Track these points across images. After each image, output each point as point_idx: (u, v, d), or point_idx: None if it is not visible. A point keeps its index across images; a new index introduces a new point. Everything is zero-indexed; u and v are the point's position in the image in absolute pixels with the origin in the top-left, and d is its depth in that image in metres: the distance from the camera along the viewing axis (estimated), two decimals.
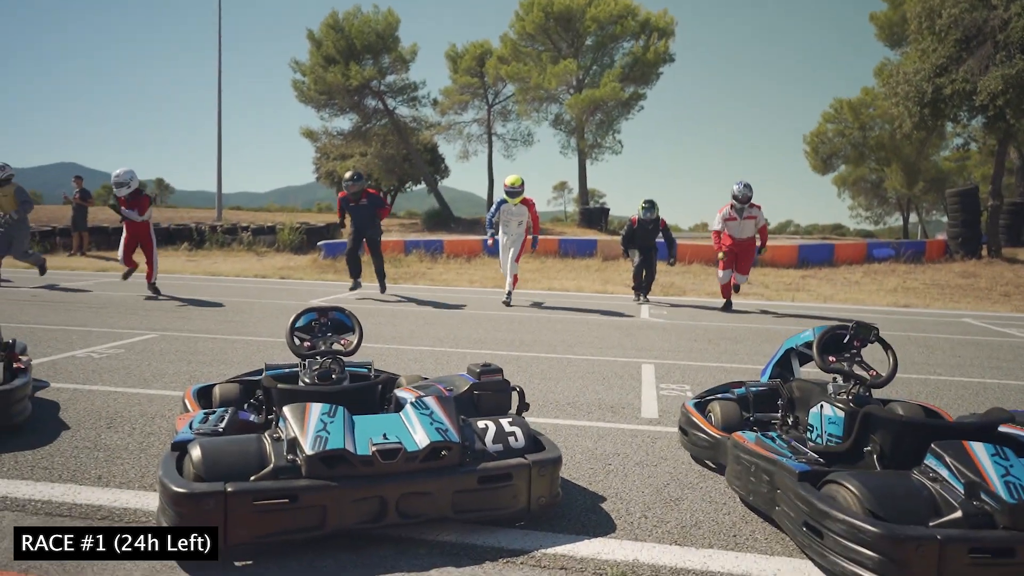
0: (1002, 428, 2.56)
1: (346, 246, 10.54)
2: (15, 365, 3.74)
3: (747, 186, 9.38)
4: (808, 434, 3.07)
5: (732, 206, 9.43)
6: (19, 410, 3.43)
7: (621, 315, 9.14)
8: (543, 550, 2.37)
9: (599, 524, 2.60)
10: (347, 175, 10.01)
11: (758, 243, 9.89)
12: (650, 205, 10.25)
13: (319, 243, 18.10)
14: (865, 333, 3.09)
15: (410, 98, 34.43)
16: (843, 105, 36.57)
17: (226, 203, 33.78)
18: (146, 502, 2.63)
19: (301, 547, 2.30)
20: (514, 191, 9.37)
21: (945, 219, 30.15)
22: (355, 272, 10.32)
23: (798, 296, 12.72)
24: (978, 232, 18.66)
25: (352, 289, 10.46)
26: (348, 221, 10.19)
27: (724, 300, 10.14)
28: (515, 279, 9.97)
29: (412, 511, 2.39)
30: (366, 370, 3.72)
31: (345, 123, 35.56)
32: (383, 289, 10.47)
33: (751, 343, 7.04)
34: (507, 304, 9.55)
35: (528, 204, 9.47)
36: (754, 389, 3.63)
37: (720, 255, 9.67)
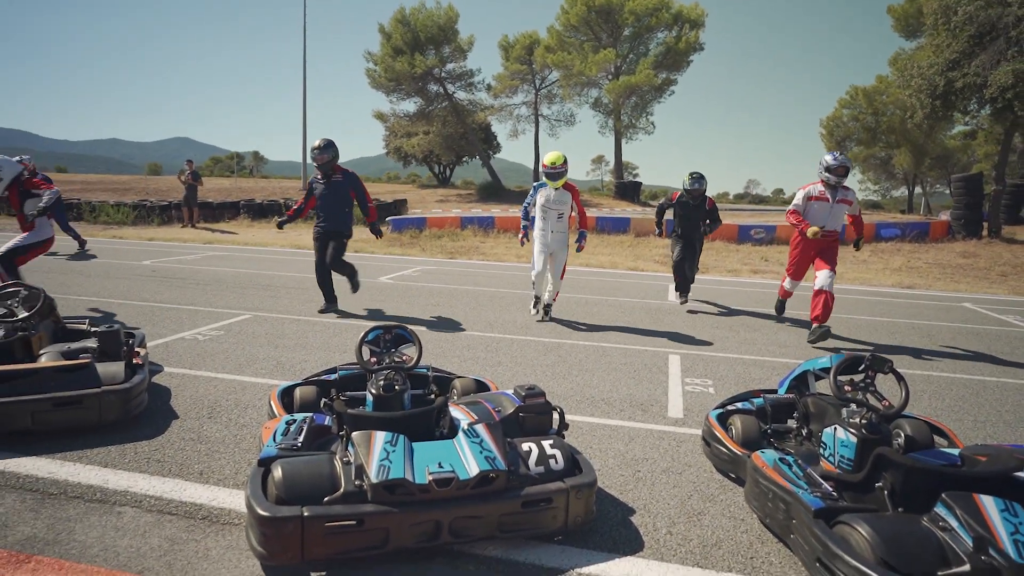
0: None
1: (315, 255, 6.94)
2: (135, 361, 3.80)
3: (845, 156, 6.31)
4: (821, 451, 2.92)
5: (824, 183, 6.22)
6: (136, 404, 3.48)
7: (650, 295, 8.93)
8: (578, 569, 2.32)
9: (628, 540, 2.53)
10: (315, 143, 6.59)
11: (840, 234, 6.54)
12: (699, 176, 7.60)
13: (387, 218, 18.14)
14: (880, 365, 2.91)
15: (467, 83, 34.33)
16: (858, 92, 34.83)
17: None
18: (238, 502, 2.66)
19: (367, 561, 2.29)
20: (555, 172, 6.56)
21: (948, 192, 28.56)
22: (329, 295, 6.95)
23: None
24: (980, 215, 17.68)
25: (324, 311, 6.84)
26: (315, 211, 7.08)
27: (779, 301, 7.28)
28: (556, 294, 6.96)
29: (463, 532, 2.36)
30: (425, 370, 3.70)
31: (410, 106, 35.70)
32: (354, 288, 7.10)
33: (768, 332, 6.80)
34: (546, 318, 6.81)
35: (572, 190, 6.71)
36: (771, 400, 3.49)
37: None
